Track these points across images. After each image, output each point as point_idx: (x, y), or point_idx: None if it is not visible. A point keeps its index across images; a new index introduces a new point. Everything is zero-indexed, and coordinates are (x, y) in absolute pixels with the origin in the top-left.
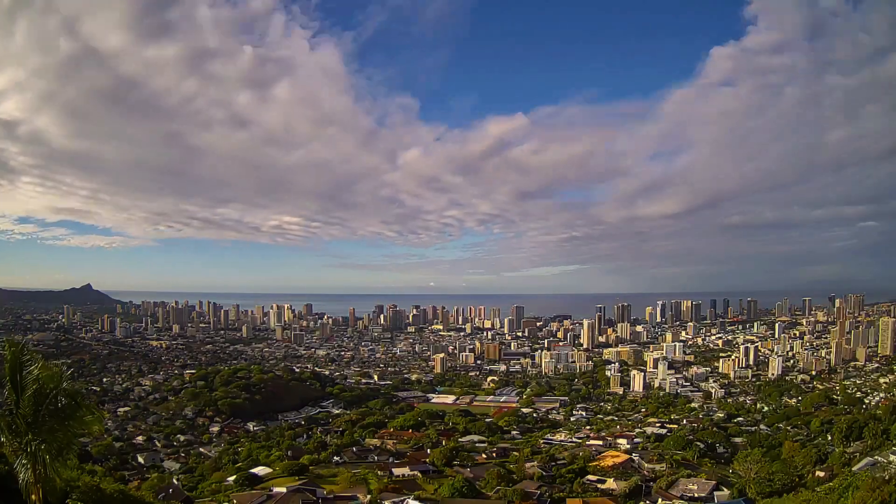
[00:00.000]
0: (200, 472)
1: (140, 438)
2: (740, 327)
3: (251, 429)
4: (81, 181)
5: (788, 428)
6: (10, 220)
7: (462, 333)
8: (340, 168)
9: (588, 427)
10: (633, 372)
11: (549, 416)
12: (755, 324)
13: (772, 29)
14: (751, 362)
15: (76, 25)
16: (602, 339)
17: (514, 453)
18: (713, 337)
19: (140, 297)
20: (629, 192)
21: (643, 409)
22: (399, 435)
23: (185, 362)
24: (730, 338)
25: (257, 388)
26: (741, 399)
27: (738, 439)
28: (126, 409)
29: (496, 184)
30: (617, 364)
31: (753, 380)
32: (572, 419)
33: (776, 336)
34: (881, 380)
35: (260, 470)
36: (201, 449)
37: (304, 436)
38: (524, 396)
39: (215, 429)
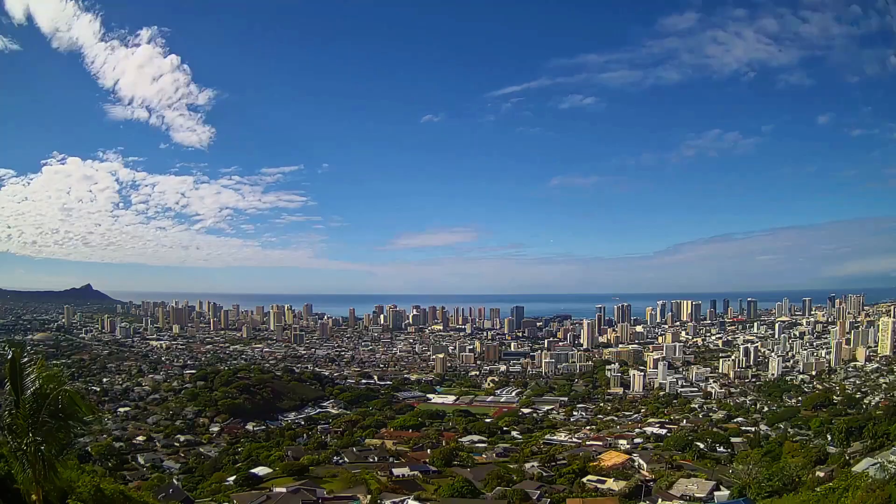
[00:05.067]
0: (200, 472)
1: (140, 438)
2: (740, 327)
3: (251, 429)
4: None
5: (788, 428)
6: None
7: (462, 333)
8: None
9: (588, 427)
10: (633, 372)
11: (549, 417)
12: (755, 324)
13: None
14: (751, 362)
15: None
16: (602, 339)
17: (514, 454)
18: (713, 337)
19: (140, 297)
20: None
21: (643, 410)
22: (399, 435)
23: (185, 362)
24: (730, 338)
25: (257, 388)
26: (741, 399)
27: (737, 439)
28: (126, 409)
29: None
30: (617, 364)
31: (753, 380)
32: (572, 419)
33: (776, 336)
34: (881, 380)
35: (260, 470)
36: (201, 449)
37: (304, 436)
38: (524, 396)
39: (215, 429)
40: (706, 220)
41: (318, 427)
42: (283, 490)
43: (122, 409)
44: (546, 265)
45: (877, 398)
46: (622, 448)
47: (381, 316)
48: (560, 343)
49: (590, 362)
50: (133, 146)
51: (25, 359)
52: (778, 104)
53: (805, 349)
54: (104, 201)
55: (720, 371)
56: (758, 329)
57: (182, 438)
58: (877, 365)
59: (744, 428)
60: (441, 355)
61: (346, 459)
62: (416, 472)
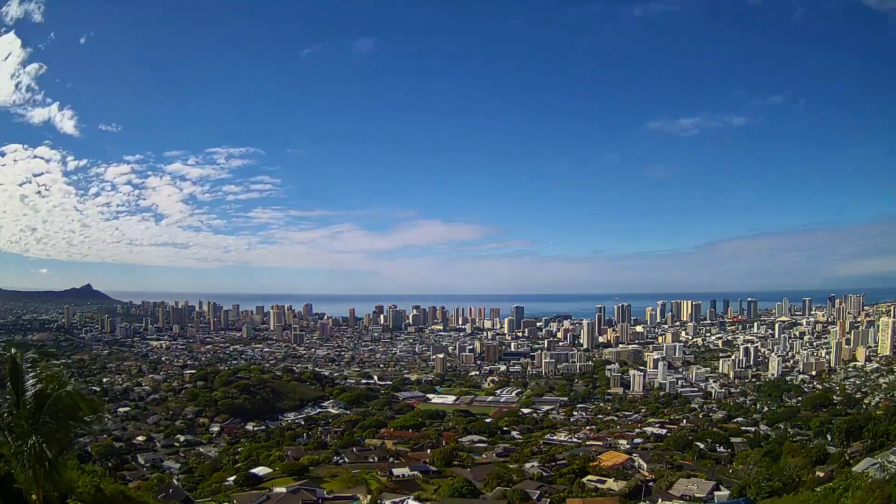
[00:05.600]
0: (200, 472)
1: (140, 438)
2: (740, 327)
3: (251, 429)
4: None
5: (788, 428)
6: None
7: (462, 333)
8: None
9: (588, 427)
10: (633, 372)
11: (549, 417)
12: (755, 324)
13: None
14: (751, 362)
15: None
16: (602, 339)
17: (514, 454)
18: (713, 337)
19: (140, 297)
20: None
21: (643, 409)
22: (399, 435)
23: (185, 362)
24: (730, 338)
25: (257, 388)
26: (741, 399)
27: (737, 439)
28: (126, 409)
29: None
30: (617, 364)
31: (753, 380)
32: (572, 419)
33: (776, 336)
34: (881, 380)
35: (260, 470)
36: (201, 449)
37: (304, 436)
38: (524, 396)
39: (215, 429)
40: (741, 215)
41: (318, 427)
42: (283, 490)
43: (122, 409)
44: (558, 263)
45: (877, 398)
46: (622, 448)
47: (381, 316)
48: (560, 343)
49: (590, 362)
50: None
51: (27, 358)
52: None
53: (805, 349)
54: (59, 194)
55: (720, 371)
56: (758, 329)
57: (182, 438)
58: (877, 365)
59: (744, 428)
60: (441, 355)
61: (346, 459)
62: (416, 472)
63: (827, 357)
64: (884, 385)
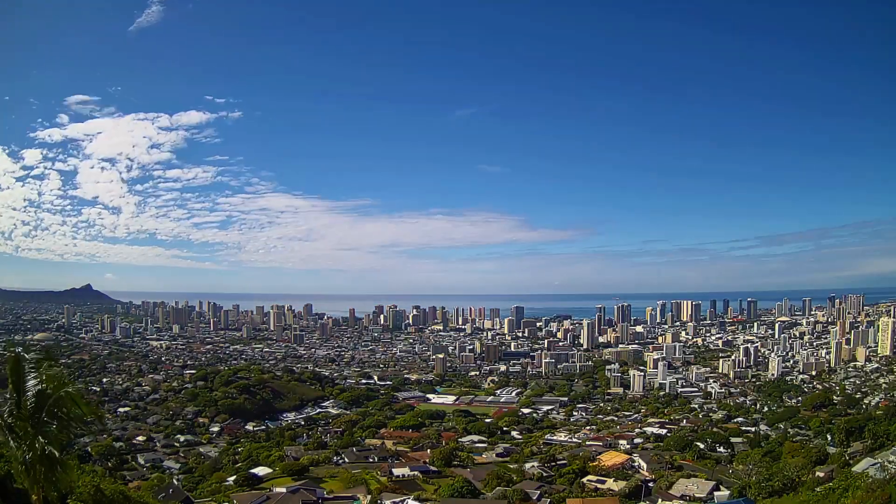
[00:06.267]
0: (200, 472)
1: (140, 438)
2: (740, 327)
3: (251, 429)
4: None
5: (788, 428)
6: None
7: (462, 333)
8: None
9: (588, 427)
10: (633, 372)
11: (549, 417)
12: (755, 324)
13: None
14: (751, 362)
15: None
16: (602, 339)
17: (514, 454)
18: (713, 337)
19: (140, 297)
20: None
21: (643, 409)
22: (399, 435)
23: (185, 362)
24: (730, 338)
25: (257, 388)
26: (741, 399)
27: (737, 439)
28: (126, 409)
29: None
30: (617, 364)
31: (753, 380)
32: (572, 419)
33: (776, 336)
34: (881, 380)
35: (260, 470)
36: (201, 449)
37: (304, 436)
38: (524, 397)
39: (215, 429)
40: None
41: (318, 427)
42: (283, 490)
43: (122, 409)
44: (559, 262)
45: (877, 398)
46: (622, 448)
47: (381, 316)
48: (560, 343)
49: (590, 362)
50: None
51: (27, 358)
52: None
53: (805, 349)
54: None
55: (720, 371)
56: (758, 329)
57: (182, 438)
58: (877, 365)
59: (744, 428)
60: (441, 355)
61: (346, 459)
62: (416, 472)
63: (827, 357)
64: (884, 385)
